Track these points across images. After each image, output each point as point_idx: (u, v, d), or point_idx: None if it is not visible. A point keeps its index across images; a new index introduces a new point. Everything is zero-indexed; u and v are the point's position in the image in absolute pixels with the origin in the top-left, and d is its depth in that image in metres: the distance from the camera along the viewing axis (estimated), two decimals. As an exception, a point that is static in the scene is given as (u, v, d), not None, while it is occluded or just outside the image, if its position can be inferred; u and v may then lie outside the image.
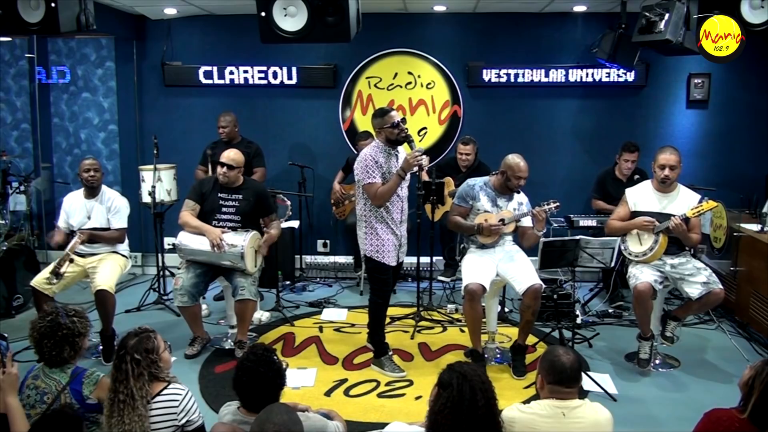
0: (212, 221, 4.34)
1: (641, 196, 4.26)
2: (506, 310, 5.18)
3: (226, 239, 4.22)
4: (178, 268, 4.40)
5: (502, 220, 4.11)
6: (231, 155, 4.41)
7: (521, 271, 4.07)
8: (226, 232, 4.28)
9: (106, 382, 2.61)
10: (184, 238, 4.31)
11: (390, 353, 4.26)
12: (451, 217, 4.32)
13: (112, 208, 4.49)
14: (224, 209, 4.38)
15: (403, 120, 3.98)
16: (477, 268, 4.10)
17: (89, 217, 4.46)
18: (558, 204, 4.08)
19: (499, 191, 4.19)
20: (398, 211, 4.07)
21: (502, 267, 4.16)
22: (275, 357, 2.47)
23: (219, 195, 4.39)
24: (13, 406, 2.42)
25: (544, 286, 4.10)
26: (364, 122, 6.28)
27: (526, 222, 4.19)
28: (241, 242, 4.23)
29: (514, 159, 4.09)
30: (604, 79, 6.06)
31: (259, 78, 6.27)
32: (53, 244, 4.56)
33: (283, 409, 2.13)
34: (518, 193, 4.19)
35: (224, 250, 4.21)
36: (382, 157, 3.96)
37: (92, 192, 4.50)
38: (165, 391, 2.49)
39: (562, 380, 2.39)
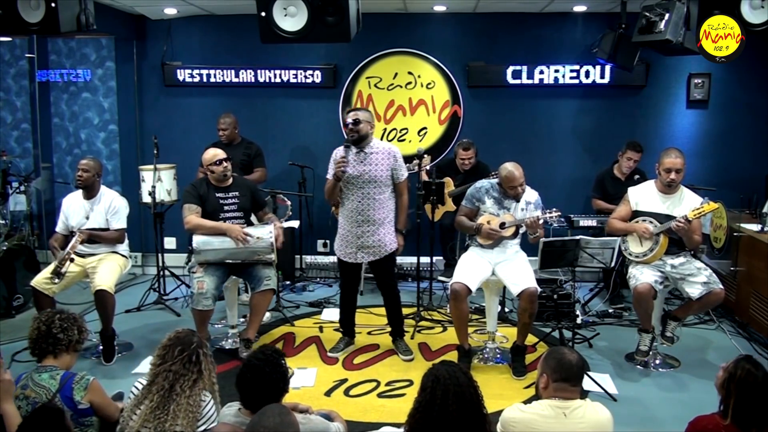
0: (217, 220, 4.35)
1: (644, 197, 4.25)
2: (506, 310, 5.18)
3: (250, 233, 4.24)
4: (193, 272, 4.32)
5: (503, 223, 4.11)
6: (217, 151, 4.45)
7: (517, 274, 4.08)
8: (244, 226, 4.31)
9: (98, 384, 2.61)
10: (203, 240, 4.23)
11: (345, 339, 4.48)
12: (457, 216, 4.35)
13: (110, 209, 4.46)
14: (226, 207, 4.39)
15: (355, 122, 4.05)
16: (467, 267, 4.11)
17: (87, 218, 4.44)
18: (559, 213, 4.06)
19: (505, 194, 4.19)
20: (353, 212, 4.16)
21: (499, 268, 4.17)
22: (283, 361, 2.47)
23: (217, 195, 4.39)
24: (9, 412, 2.41)
25: (539, 289, 4.09)
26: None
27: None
28: (268, 233, 4.27)
29: (507, 170, 4.08)
30: (605, 79, 6.06)
31: (259, 78, 6.26)
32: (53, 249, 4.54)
33: (275, 411, 2.10)
34: (518, 201, 4.19)
35: (251, 244, 4.22)
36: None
37: (89, 192, 4.48)
38: None
39: (569, 378, 2.40)
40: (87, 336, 2.78)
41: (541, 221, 4.02)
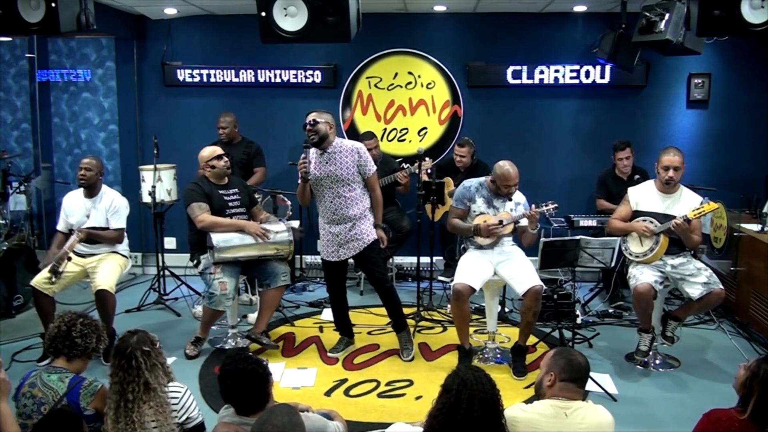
0: (225, 218, 4.36)
1: (644, 196, 4.25)
2: (506, 310, 5.18)
3: (268, 228, 4.31)
4: (209, 273, 4.29)
5: (501, 221, 4.12)
6: (214, 147, 4.52)
7: (521, 273, 4.07)
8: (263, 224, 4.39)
9: (106, 390, 2.60)
10: (223, 238, 4.22)
11: (345, 340, 4.50)
12: (449, 220, 4.33)
13: (110, 208, 4.46)
14: (231, 204, 4.42)
15: (311, 123, 4.04)
16: (469, 268, 4.10)
17: (88, 216, 4.44)
18: (556, 205, 4.07)
19: (495, 193, 4.20)
20: (328, 212, 4.18)
21: (501, 268, 4.16)
22: (251, 353, 2.49)
23: (220, 192, 4.40)
24: (4, 412, 2.41)
25: (544, 287, 4.10)
26: (364, 122, 6.28)
27: (525, 221, 4.18)
28: (284, 227, 4.36)
29: (503, 168, 4.07)
30: (605, 79, 6.06)
31: (259, 78, 6.27)
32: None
33: (284, 411, 2.12)
34: (510, 200, 4.19)
35: (271, 239, 4.28)
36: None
37: (91, 191, 4.48)
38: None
39: (577, 379, 2.42)
40: (104, 345, 2.77)
41: (537, 214, 4.03)
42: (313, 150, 4.13)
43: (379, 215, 4.32)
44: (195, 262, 4.42)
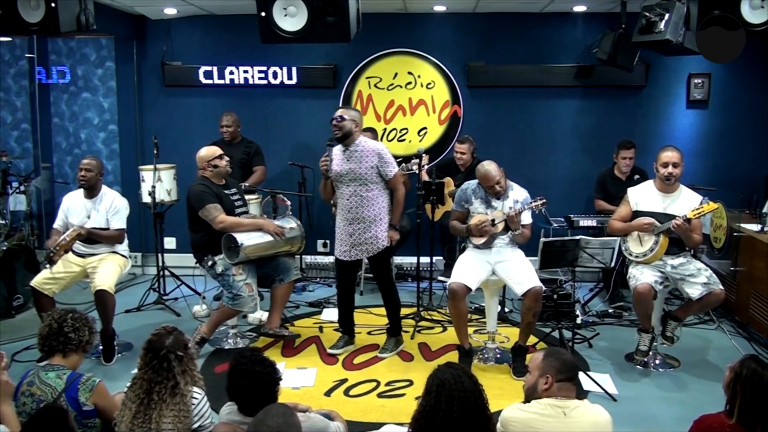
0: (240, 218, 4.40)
1: (643, 196, 4.25)
2: (506, 310, 5.18)
3: (283, 225, 4.42)
4: (231, 275, 4.24)
5: (492, 220, 4.11)
6: (213, 147, 4.52)
7: (520, 273, 4.07)
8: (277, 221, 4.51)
9: (103, 386, 2.61)
10: (246, 237, 4.22)
11: (345, 338, 4.50)
12: (450, 222, 4.36)
13: (111, 209, 4.45)
14: (237, 203, 4.44)
15: (338, 118, 4.12)
16: (465, 267, 4.11)
17: (89, 217, 4.43)
18: (543, 201, 4.04)
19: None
20: (344, 210, 4.23)
21: (499, 268, 4.16)
22: (265, 354, 2.48)
23: (225, 192, 4.40)
24: (7, 414, 2.42)
25: (544, 288, 4.09)
26: (364, 122, 6.26)
27: (525, 219, 4.17)
28: (296, 224, 4.47)
29: (482, 169, 4.11)
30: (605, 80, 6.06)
31: (259, 78, 6.27)
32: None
33: (280, 411, 2.10)
34: (499, 198, 4.18)
35: (287, 236, 4.39)
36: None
37: (91, 192, 4.47)
38: None
39: (573, 377, 2.44)
40: (96, 338, 2.78)
41: (527, 211, 4.05)
42: (337, 147, 4.20)
43: (397, 216, 4.34)
44: (210, 263, 4.28)
